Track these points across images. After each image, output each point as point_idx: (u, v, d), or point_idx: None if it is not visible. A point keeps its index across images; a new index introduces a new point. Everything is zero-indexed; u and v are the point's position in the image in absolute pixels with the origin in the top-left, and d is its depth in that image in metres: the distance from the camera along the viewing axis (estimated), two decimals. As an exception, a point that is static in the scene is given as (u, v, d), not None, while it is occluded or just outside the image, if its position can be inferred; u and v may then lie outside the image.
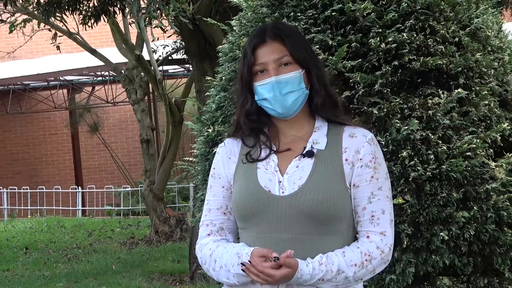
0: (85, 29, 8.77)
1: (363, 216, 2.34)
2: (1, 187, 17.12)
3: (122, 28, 11.72)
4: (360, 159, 2.34)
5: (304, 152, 2.36)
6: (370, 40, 3.42)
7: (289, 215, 2.30)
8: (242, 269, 2.24)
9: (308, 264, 2.24)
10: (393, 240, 2.36)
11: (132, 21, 6.39)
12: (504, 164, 3.41)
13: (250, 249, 2.27)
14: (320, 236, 2.29)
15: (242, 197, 2.35)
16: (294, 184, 2.32)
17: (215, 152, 2.52)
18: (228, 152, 2.45)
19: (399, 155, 3.32)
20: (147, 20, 5.60)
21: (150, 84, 12.47)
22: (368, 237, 2.33)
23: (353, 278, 2.28)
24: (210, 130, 3.77)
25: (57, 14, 8.76)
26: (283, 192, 2.32)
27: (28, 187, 17.10)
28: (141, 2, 5.79)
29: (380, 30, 3.44)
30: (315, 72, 2.39)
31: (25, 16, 11.38)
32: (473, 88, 3.46)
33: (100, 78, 17.01)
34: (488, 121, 3.47)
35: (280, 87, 2.34)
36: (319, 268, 2.24)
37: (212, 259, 2.36)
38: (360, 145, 2.36)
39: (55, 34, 11.63)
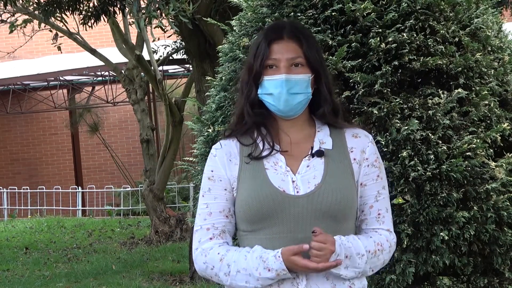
0: (85, 29, 8.77)
1: (370, 214, 2.37)
2: (1, 187, 17.11)
3: (122, 28, 11.72)
4: (366, 159, 2.38)
5: (314, 151, 2.36)
6: (370, 40, 3.42)
7: (305, 215, 2.29)
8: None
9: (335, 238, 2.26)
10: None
11: (132, 21, 6.38)
12: (504, 164, 3.41)
13: (277, 251, 2.25)
14: (334, 235, 2.29)
15: (255, 199, 2.32)
16: (309, 183, 2.32)
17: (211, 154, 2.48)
18: (227, 154, 2.41)
19: (399, 155, 3.32)
20: (147, 20, 5.60)
21: (150, 84, 12.46)
22: (376, 232, 2.37)
23: (368, 264, 2.30)
24: (210, 130, 3.77)
25: (57, 14, 8.76)
26: (297, 192, 2.32)
27: (28, 187, 17.09)
28: (141, 2, 5.79)
29: (380, 30, 3.44)
30: (325, 79, 2.40)
31: (25, 16, 11.39)
32: (473, 88, 3.46)
33: (100, 78, 17.00)
34: (488, 121, 3.47)
35: (288, 86, 2.34)
36: (342, 242, 2.26)
37: (224, 263, 2.31)
38: (365, 145, 2.40)
39: (56, 35, 11.64)
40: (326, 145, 2.38)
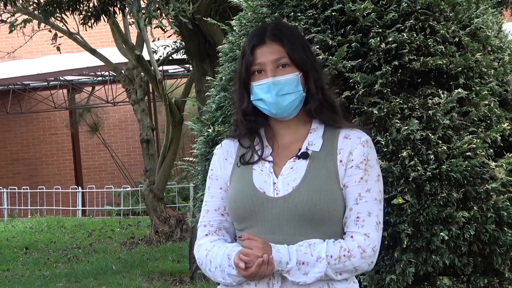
0: (85, 29, 8.76)
1: (350, 217, 2.34)
2: (1, 187, 17.11)
3: (122, 28, 11.72)
4: (352, 160, 2.35)
5: (299, 153, 2.37)
6: (370, 40, 3.42)
7: (282, 217, 2.31)
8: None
9: (285, 246, 2.27)
10: (379, 242, 2.34)
11: (132, 21, 6.39)
12: (504, 164, 3.41)
13: (239, 249, 2.29)
14: (313, 237, 2.30)
15: (238, 199, 2.37)
16: (288, 186, 2.33)
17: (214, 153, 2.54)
18: (224, 153, 2.47)
19: (399, 155, 3.32)
20: (147, 20, 5.60)
21: (150, 84, 12.46)
22: (352, 237, 2.32)
23: (332, 269, 2.27)
24: (210, 130, 3.77)
25: (57, 14, 8.76)
26: (277, 194, 2.33)
27: (28, 187, 17.09)
28: (141, 2, 5.79)
29: (380, 30, 3.44)
30: (313, 75, 2.39)
31: (25, 16, 11.39)
32: (473, 88, 3.46)
33: (100, 78, 17.00)
34: (488, 121, 3.48)
35: (277, 89, 2.34)
36: (298, 248, 2.26)
37: (208, 259, 2.37)
38: (353, 147, 2.36)
39: (55, 35, 11.63)
40: (314, 147, 2.37)
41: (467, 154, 3.33)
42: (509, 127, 3.46)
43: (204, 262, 2.39)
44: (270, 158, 2.39)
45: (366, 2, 3.43)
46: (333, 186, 2.32)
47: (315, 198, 2.29)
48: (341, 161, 2.35)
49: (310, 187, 2.30)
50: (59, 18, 9.74)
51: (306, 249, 2.27)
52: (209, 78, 4.31)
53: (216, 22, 4.41)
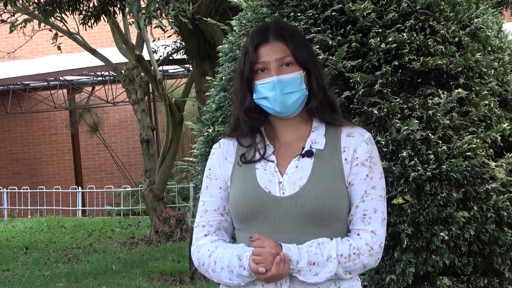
0: (85, 29, 8.76)
1: (356, 214, 2.34)
2: (1, 187, 17.11)
3: (122, 28, 11.72)
4: (357, 158, 2.35)
5: (303, 152, 2.36)
6: (370, 40, 3.42)
7: (290, 216, 2.30)
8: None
9: (295, 245, 2.26)
10: (384, 238, 2.36)
11: (132, 21, 6.39)
12: (504, 164, 3.42)
13: (249, 250, 2.28)
14: (321, 236, 2.29)
15: (242, 199, 2.35)
16: (295, 185, 2.32)
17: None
18: (224, 153, 2.45)
19: (399, 155, 3.32)
20: (147, 20, 5.59)
21: (150, 84, 12.47)
22: (358, 234, 2.33)
23: (342, 268, 2.27)
24: (210, 130, 3.77)
25: (57, 14, 8.76)
26: (283, 193, 2.32)
27: (28, 187, 17.09)
28: (141, 2, 5.79)
29: (380, 30, 3.44)
30: (315, 74, 2.39)
31: (25, 16, 11.39)
32: (473, 88, 3.47)
33: (100, 78, 17.00)
34: (488, 121, 3.48)
35: (281, 87, 2.34)
36: (308, 248, 2.25)
37: (212, 260, 2.35)
38: (357, 144, 2.37)
39: (56, 34, 11.64)
40: (318, 145, 2.37)
41: (467, 154, 3.33)
42: (509, 127, 3.46)
43: (207, 262, 2.36)
44: (273, 157, 2.38)
45: (366, 2, 3.43)
46: (339, 185, 2.33)
47: (323, 196, 2.29)
48: (346, 159, 2.35)
49: (317, 186, 2.30)
50: (59, 18, 9.74)
51: (316, 249, 2.26)
52: (209, 78, 4.31)
53: (216, 22, 4.42)
